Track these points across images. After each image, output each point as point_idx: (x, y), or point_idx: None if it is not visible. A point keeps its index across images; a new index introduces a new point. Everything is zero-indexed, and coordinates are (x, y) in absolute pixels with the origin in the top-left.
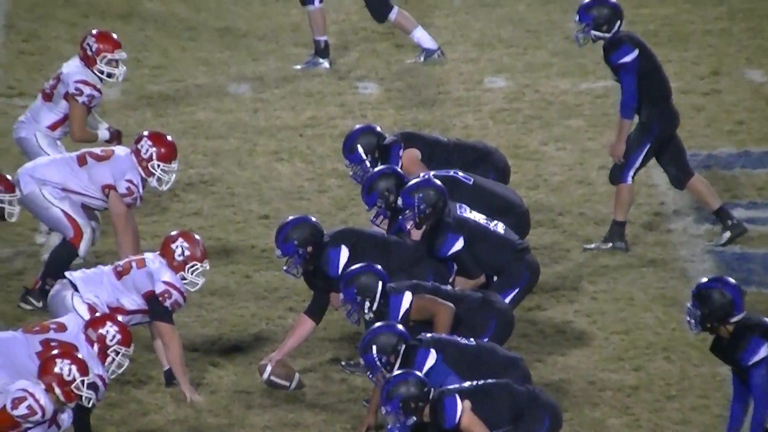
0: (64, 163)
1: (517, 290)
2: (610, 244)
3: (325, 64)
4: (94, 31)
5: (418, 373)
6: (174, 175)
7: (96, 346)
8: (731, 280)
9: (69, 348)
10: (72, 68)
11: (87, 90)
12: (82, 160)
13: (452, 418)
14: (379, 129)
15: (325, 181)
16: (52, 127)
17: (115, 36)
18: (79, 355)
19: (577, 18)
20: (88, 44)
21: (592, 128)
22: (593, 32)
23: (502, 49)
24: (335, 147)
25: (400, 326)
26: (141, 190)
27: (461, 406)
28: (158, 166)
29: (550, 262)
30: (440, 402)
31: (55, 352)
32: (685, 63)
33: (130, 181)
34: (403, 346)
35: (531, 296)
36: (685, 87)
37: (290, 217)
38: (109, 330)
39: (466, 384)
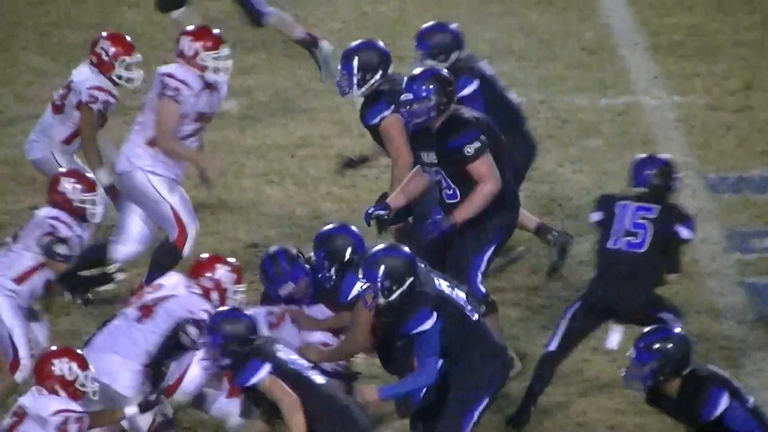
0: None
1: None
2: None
3: (325, 47)
4: (105, 34)
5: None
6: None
7: (215, 293)
8: (678, 328)
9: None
10: (83, 75)
11: (102, 96)
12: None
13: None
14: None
15: (319, 206)
16: (67, 141)
17: (128, 38)
18: (78, 351)
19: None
20: (102, 48)
21: (611, 149)
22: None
23: (513, 62)
24: (330, 168)
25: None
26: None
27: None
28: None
29: (566, 295)
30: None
31: (52, 349)
32: (714, 77)
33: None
34: (410, 283)
35: (546, 331)
36: (714, 103)
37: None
38: (221, 272)
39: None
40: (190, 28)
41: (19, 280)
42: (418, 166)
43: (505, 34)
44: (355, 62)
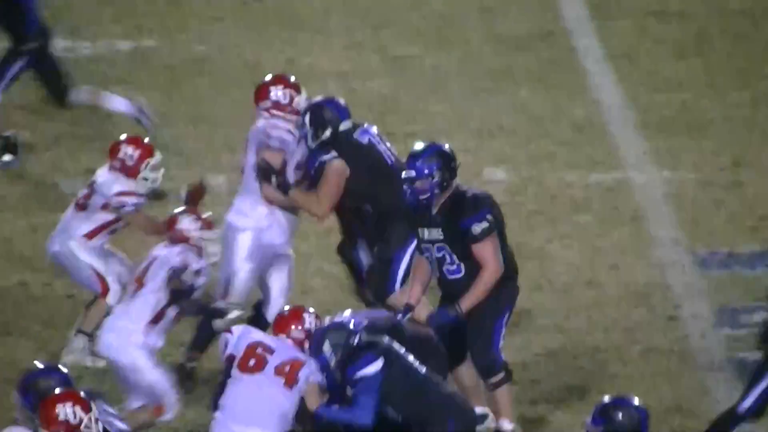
0: None
1: None
2: None
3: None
4: (124, 137)
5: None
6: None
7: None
8: (636, 401)
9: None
10: (107, 179)
11: (131, 200)
12: None
13: None
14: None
15: (308, 282)
16: (89, 236)
17: (146, 140)
18: (82, 394)
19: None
20: (126, 154)
21: (601, 225)
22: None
23: (503, 139)
24: (319, 245)
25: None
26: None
27: None
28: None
29: (555, 371)
30: None
31: (55, 394)
32: (703, 153)
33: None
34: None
35: (534, 407)
36: (704, 179)
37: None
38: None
39: None
40: (273, 77)
41: (154, 322)
42: (421, 256)
43: (494, 111)
44: (307, 118)
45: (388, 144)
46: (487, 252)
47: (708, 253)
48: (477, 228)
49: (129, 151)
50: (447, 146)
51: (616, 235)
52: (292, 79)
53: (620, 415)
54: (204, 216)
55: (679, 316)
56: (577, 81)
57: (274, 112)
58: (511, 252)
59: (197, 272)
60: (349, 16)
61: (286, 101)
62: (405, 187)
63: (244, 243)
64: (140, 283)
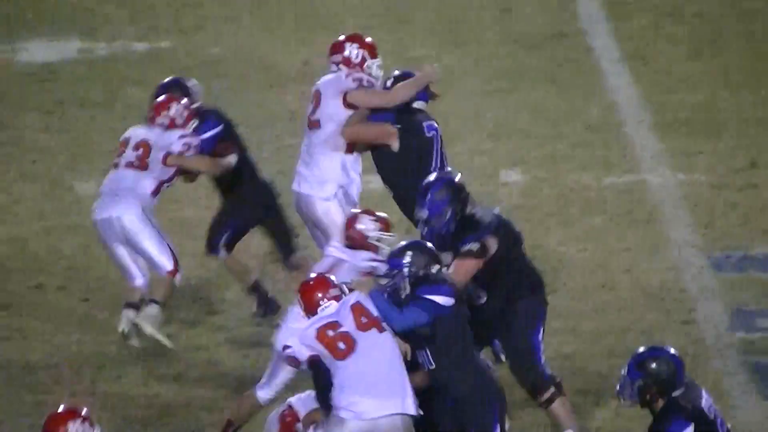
0: None
1: None
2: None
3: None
4: (165, 98)
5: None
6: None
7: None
8: (674, 350)
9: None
10: (160, 134)
11: (194, 140)
12: None
13: None
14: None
15: None
16: (154, 193)
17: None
18: (84, 410)
19: None
20: (177, 112)
21: (616, 227)
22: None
23: (518, 140)
24: None
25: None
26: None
27: None
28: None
29: (570, 373)
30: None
31: (59, 411)
32: (719, 155)
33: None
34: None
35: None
36: (718, 181)
37: None
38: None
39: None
40: (349, 35)
41: None
42: None
43: (510, 112)
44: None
45: (444, 151)
46: (459, 268)
47: (723, 256)
48: (465, 246)
49: (179, 110)
50: (457, 176)
51: (631, 238)
52: (369, 39)
53: (655, 364)
54: (381, 216)
55: (694, 319)
56: (592, 82)
57: (343, 67)
58: (532, 265)
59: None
60: (365, 17)
61: (358, 60)
62: (421, 226)
63: (335, 210)
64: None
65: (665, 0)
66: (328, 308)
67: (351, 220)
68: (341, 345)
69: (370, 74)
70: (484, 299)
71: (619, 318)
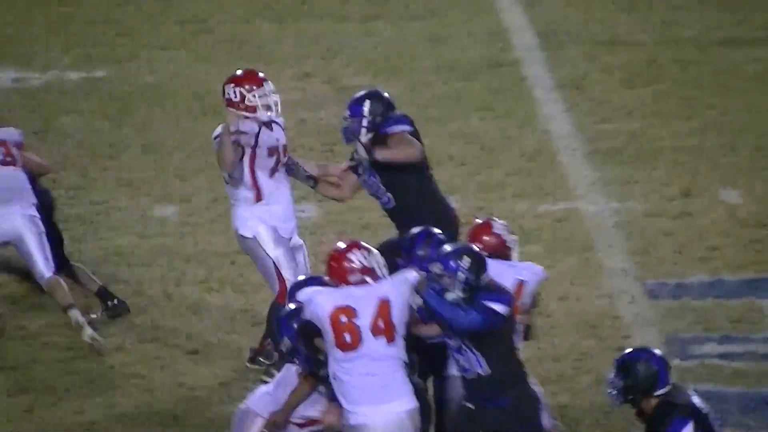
0: None
1: None
2: None
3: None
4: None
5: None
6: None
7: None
8: (658, 351)
9: None
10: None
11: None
12: None
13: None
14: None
15: (258, 314)
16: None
17: None
18: None
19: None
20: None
21: (550, 255)
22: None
23: (452, 168)
24: None
25: None
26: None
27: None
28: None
29: None
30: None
31: None
32: (653, 183)
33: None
34: None
35: None
36: (653, 210)
37: None
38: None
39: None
40: (231, 75)
41: None
42: None
43: (445, 141)
44: (366, 107)
45: None
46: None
47: (657, 284)
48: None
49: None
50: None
51: (566, 266)
52: (255, 71)
53: (637, 365)
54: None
55: (629, 347)
56: (527, 110)
57: (228, 109)
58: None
59: None
60: (299, 46)
61: (238, 99)
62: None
63: (264, 236)
64: None
65: (599, 29)
66: (356, 289)
67: (485, 228)
68: (347, 337)
69: (255, 106)
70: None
71: (553, 345)
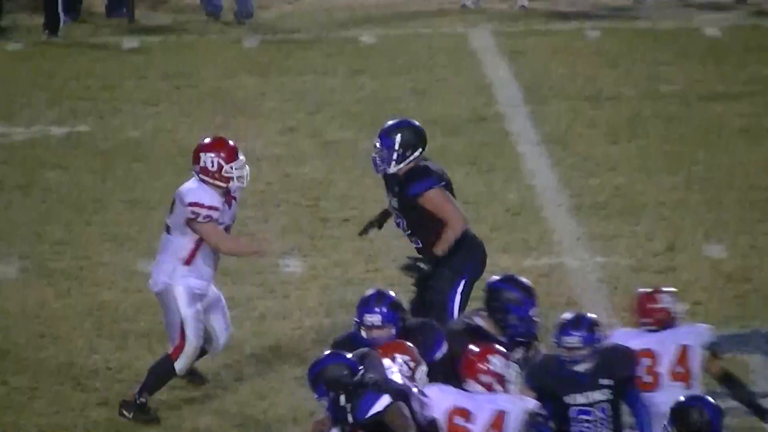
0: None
1: None
2: None
3: None
4: None
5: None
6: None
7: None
8: (712, 400)
9: None
10: None
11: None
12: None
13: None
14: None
15: (243, 369)
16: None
17: None
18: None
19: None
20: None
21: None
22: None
23: None
24: (254, 330)
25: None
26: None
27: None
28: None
29: None
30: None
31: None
32: (637, 238)
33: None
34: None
35: None
36: (637, 264)
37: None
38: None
39: None
40: (206, 142)
41: None
42: None
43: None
44: (397, 138)
45: None
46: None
47: None
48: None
49: None
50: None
51: (550, 321)
52: (230, 144)
53: (692, 415)
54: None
55: None
56: (511, 165)
57: (200, 177)
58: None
59: None
60: (283, 101)
61: (214, 168)
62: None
63: (180, 294)
64: None
65: (583, 84)
66: (481, 392)
67: (651, 300)
68: None
69: (230, 177)
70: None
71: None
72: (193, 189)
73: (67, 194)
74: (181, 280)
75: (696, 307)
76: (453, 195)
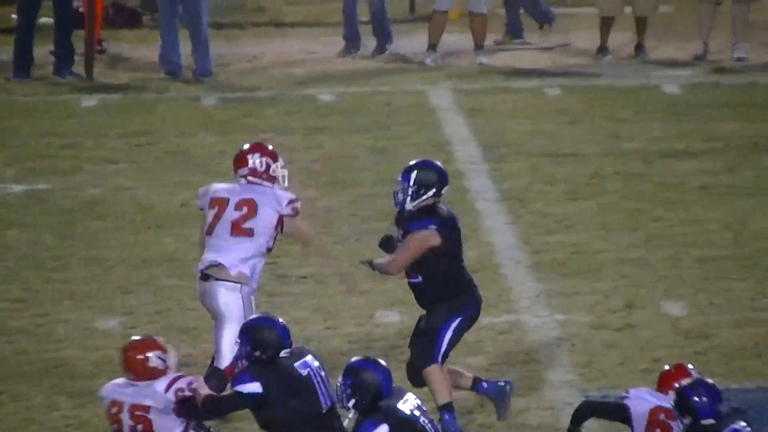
0: None
1: None
2: None
3: None
4: None
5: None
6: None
7: None
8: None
9: None
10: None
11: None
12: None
13: None
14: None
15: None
16: None
17: None
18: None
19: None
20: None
21: (494, 367)
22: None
23: (395, 280)
24: None
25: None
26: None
27: None
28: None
29: None
30: None
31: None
32: (596, 295)
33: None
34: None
35: None
36: (596, 322)
37: None
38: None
39: None
40: (249, 146)
41: None
42: None
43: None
44: (413, 176)
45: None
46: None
47: (601, 396)
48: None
49: None
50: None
51: (509, 377)
52: (270, 147)
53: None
54: None
55: None
56: (470, 223)
57: (251, 178)
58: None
59: None
60: None
61: (263, 168)
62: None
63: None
64: None
65: (542, 141)
66: None
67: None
68: None
69: (277, 177)
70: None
71: None
72: (266, 188)
73: (26, 252)
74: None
75: (656, 364)
76: (459, 239)
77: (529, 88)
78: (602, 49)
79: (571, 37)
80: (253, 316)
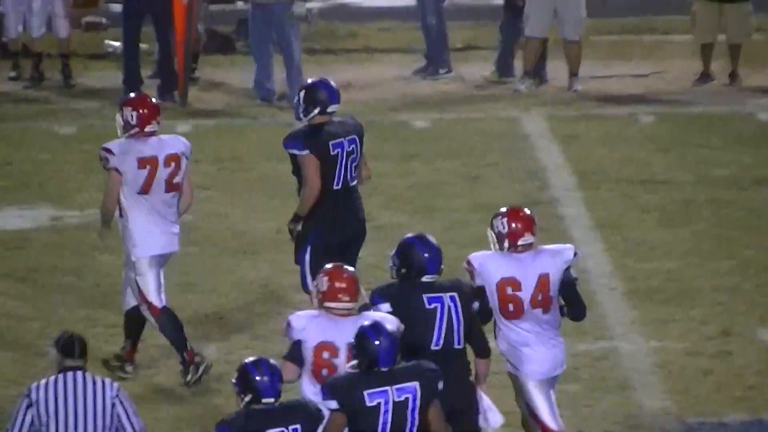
0: None
1: None
2: None
3: None
4: None
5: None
6: None
7: None
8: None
9: None
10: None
11: None
12: None
13: None
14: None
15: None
16: None
17: None
18: None
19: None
20: None
21: (590, 394)
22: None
23: None
24: None
25: None
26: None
27: None
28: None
29: None
30: None
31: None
32: (692, 323)
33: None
34: None
35: None
36: (691, 349)
37: None
38: None
39: None
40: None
41: None
42: None
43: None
44: (302, 94)
45: (353, 165)
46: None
47: (697, 423)
48: None
49: None
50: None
51: (605, 405)
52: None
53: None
54: None
55: None
56: None
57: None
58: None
59: None
60: None
61: (134, 122)
62: None
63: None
64: None
65: (635, 169)
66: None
67: None
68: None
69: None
70: None
71: None
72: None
73: (118, 275)
74: None
75: (750, 392)
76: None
77: (621, 115)
78: (704, 75)
79: (665, 64)
80: (409, 235)
